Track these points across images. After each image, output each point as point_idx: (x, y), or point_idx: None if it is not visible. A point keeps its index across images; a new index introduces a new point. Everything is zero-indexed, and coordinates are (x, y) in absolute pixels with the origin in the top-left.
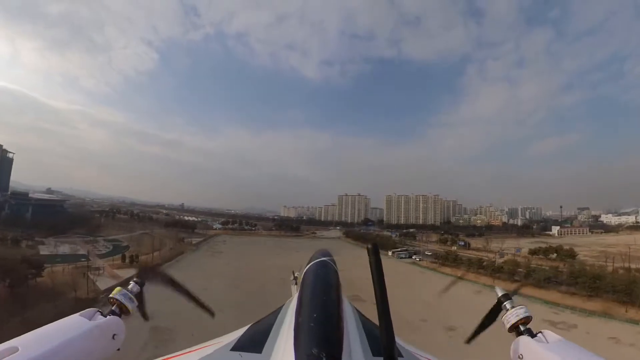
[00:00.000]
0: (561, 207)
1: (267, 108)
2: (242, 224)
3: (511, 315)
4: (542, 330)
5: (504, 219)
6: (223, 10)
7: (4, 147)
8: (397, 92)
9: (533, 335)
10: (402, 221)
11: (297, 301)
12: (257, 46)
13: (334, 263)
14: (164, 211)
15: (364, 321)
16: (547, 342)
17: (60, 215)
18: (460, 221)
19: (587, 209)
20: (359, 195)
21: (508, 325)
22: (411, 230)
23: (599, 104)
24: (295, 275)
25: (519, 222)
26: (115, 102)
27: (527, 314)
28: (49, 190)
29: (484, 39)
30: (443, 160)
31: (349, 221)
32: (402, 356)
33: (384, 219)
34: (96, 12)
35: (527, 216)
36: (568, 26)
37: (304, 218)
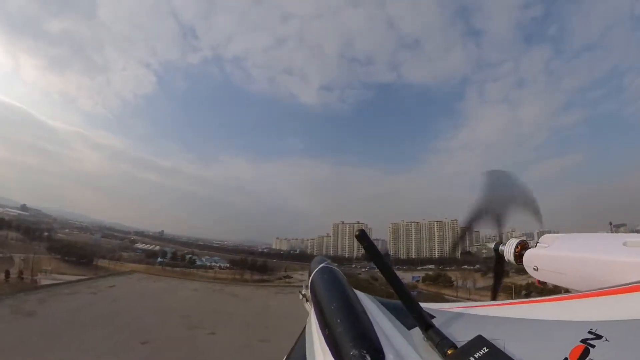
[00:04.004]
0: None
1: (266, 136)
2: (183, 259)
3: (508, 249)
4: (540, 239)
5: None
6: (221, 32)
7: None
8: (397, 117)
9: (534, 247)
10: (413, 254)
11: (316, 315)
12: (255, 71)
13: (333, 265)
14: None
15: (385, 303)
16: (550, 245)
17: None
18: (484, 251)
19: (624, 225)
20: (358, 223)
21: (512, 258)
22: (430, 266)
23: (600, 122)
24: (303, 292)
25: None
26: (113, 126)
27: (519, 239)
28: (23, 207)
29: (483, 60)
30: (444, 187)
31: (347, 255)
32: (434, 317)
33: (390, 252)
34: (97, 32)
35: None
36: (566, 43)
37: (297, 251)
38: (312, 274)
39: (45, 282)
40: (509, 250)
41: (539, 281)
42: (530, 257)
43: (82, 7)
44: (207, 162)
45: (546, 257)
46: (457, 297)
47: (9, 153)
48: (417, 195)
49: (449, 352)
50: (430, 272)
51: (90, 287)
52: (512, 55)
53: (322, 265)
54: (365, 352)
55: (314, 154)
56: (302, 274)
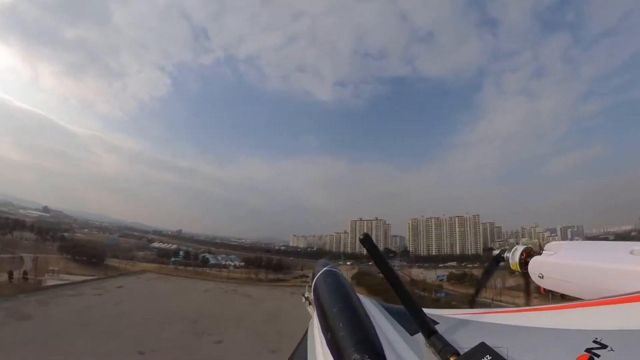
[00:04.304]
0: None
1: (281, 134)
2: (196, 258)
3: (514, 256)
4: (545, 246)
5: (559, 241)
6: (233, 33)
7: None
8: (413, 112)
9: (540, 254)
10: (433, 250)
11: (318, 318)
12: (269, 70)
13: (337, 268)
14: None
15: (388, 308)
16: (555, 252)
17: None
18: (506, 247)
19: None
20: (377, 219)
21: (517, 265)
22: (452, 264)
23: (623, 110)
24: (306, 295)
25: None
26: (130, 129)
27: (525, 246)
28: (45, 209)
29: (499, 50)
30: (462, 183)
31: (365, 252)
32: (437, 323)
33: (409, 248)
34: (111, 37)
35: (569, 235)
36: (584, 29)
37: (315, 248)
38: (316, 277)
39: (51, 282)
40: (514, 257)
41: (544, 289)
42: (535, 265)
43: (96, 14)
44: (223, 162)
45: (552, 265)
46: (492, 299)
47: (31, 158)
48: (435, 190)
49: (452, 359)
50: (454, 270)
51: (96, 287)
52: (530, 44)
53: (325, 268)
54: (367, 357)
55: (329, 151)
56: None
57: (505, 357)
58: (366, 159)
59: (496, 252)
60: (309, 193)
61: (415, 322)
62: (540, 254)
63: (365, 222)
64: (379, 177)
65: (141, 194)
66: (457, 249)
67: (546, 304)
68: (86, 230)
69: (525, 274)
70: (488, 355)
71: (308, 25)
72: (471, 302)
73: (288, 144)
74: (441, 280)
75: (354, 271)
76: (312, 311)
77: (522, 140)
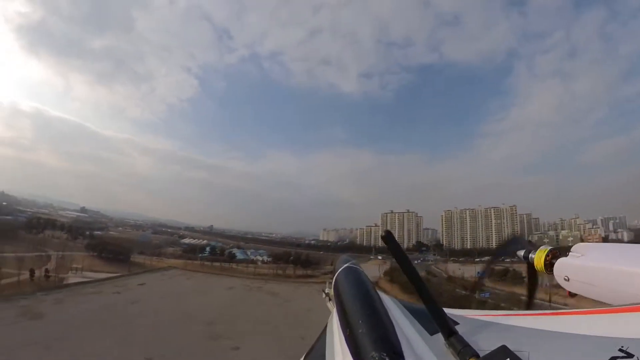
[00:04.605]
0: None
1: (308, 128)
2: (222, 254)
3: (539, 257)
4: (572, 248)
5: (601, 233)
6: (255, 30)
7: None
8: (441, 101)
9: (566, 256)
10: (468, 243)
11: (338, 314)
12: (293, 65)
13: (358, 265)
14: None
15: (408, 307)
16: (582, 255)
17: None
18: (545, 240)
19: None
20: (408, 212)
21: (542, 267)
22: (489, 258)
23: None
24: (326, 291)
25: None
26: (160, 130)
27: (550, 247)
28: (83, 209)
29: (530, 30)
30: (494, 173)
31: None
32: (457, 324)
33: (443, 242)
34: (136, 44)
35: (611, 227)
36: (621, 2)
37: (346, 241)
38: (336, 274)
39: (73, 280)
40: (539, 259)
41: (569, 293)
42: (561, 267)
43: (120, 23)
44: (252, 158)
45: (578, 268)
46: (549, 302)
47: (69, 163)
48: (468, 181)
49: None
50: (493, 265)
51: (117, 285)
52: (562, 23)
53: (346, 265)
54: (385, 355)
55: (357, 143)
56: None
57: None
58: (395, 150)
59: (521, 252)
60: (338, 186)
61: (435, 321)
62: (566, 255)
63: (396, 214)
64: (408, 168)
65: (174, 192)
66: (494, 242)
67: (571, 308)
68: (120, 228)
69: (534, 276)
70: (508, 359)
71: (329, 18)
72: (528, 306)
73: (315, 137)
74: (482, 276)
75: (386, 267)
76: (332, 307)
77: (557, 127)
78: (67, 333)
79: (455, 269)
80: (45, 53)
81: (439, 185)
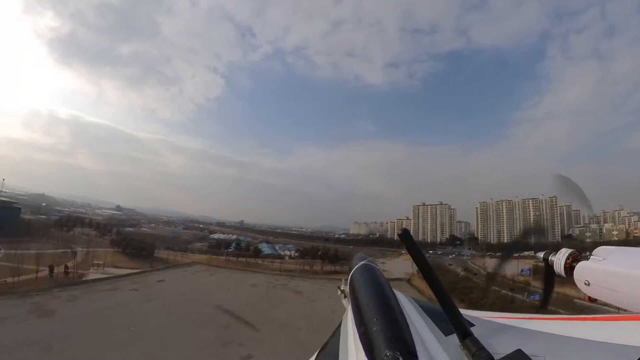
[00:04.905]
0: None
1: (336, 122)
2: (247, 249)
3: (559, 260)
4: (594, 251)
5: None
6: (277, 26)
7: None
8: (471, 88)
9: (587, 259)
10: (505, 237)
11: (353, 312)
12: (317, 58)
13: (374, 263)
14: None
15: (424, 306)
16: (605, 258)
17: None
18: (587, 234)
19: None
20: (441, 204)
21: (562, 270)
22: (528, 253)
23: None
24: (342, 288)
25: None
26: (191, 130)
27: (571, 250)
28: (118, 207)
29: (562, 9)
30: (531, 163)
31: (429, 240)
32: (473, 325)
33: (478, 235)
34: (162, 48)
35: None
36: None
37: (377, 235)
38: (352, 271)
39: (93, 276)
40: (559, 261)
41: (589, 297)
42: (581, 271)
43: (145, 29)
44: (281, 154)
45: (599, 272)
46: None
47: (105, 165)
48: (502, 171)
49: None
50: (536, 262)
51: (136, 281)
52: None
53: (362, 262)
54: (398, 354)
55: (386, 135)
56: (382, 262)
57: None
58: (425, 141)
59: (540, 254)
60: (368, 179)
61: (450, 322)
62: (587, 258)
63: (428, 207)
64: (440, 159)
65: (206, 188)
66: (532, 235)
67: (591, 314)
68: (153, 224)
69: (550, 276)
70: None
71: (351, 8)
72: (541, 308)
73: (343, 131)
74: (526, 275)
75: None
76: (347, 304)
77: (596, 112)
78: (71, 333)
79: (494, 265)
80: (77, 63)
81: (472, 176)
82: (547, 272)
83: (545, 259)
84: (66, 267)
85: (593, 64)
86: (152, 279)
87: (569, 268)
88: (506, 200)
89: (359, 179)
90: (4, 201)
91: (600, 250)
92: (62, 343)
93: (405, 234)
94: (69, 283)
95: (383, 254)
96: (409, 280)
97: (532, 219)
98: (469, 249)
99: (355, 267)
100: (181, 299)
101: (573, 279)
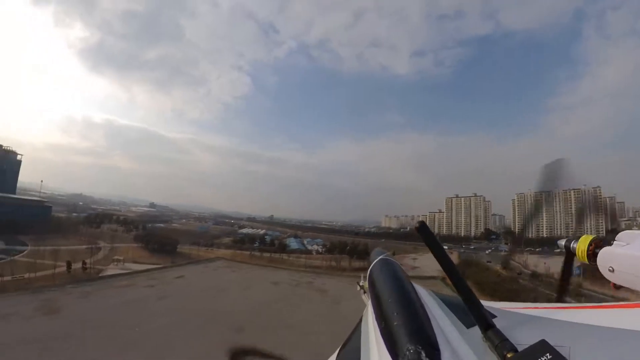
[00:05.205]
0: None
1: (364, 115)
2: (272, 244)
3: (581, 246)
4: (617, 236)
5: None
6: (299, 20)
7: (13, 148)
8: (502, 74)
9: (610, 245)
10: (544, 231)
11: (373, 307)
12: (342, 50)
13: (392, 257)
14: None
15: (445, 299)
16: (629, 243)
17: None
18: (634, 228)
19: None
20: (475, 195)
21: (584, 257)
22: None
23: None
24: (361, 284)
25: None
26: (220, 128)
27: (594, 236)
28: (152, 205)
29: None
30: (569, 151)
31: (462, 234)
32: (495, 316)
33: (515, 229)
34: (187, 51)
35: None
36: None
37: (407, 229)
38: (371, 266)
39: (111, 272)
40: (581, 248)
41: (614, 284)
42: (605, 257)
43: (170, 33)
44: (310, 149)
45: (624, 258)
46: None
47: (139, 165)
48: (539, 161)
49: (509, 355)
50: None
51: (154, 278)
52: None
53: (381, 257)
54: (420, 347)
55: (415, 127)
56: (414, 258)
57: (567, 358)
58: (456, 131)
59: (562, 242)
60: (398, 172)
61: (472, 314)
62: (610, 244)
63: (462, 199)
64: (472, 149)
65: (236, 185)
66: (571, 229)
67: (616, 302)
68: (184, 220)
69: (569, 259)
70: (548, 354)
71: None
72: (558, 298)
73: (372, 123)
74: (577, 275)
75: (453, 258)
76: (367, 300)
77: (636, 96)
78: (72, 332)
79: (537, 262)
80: (108, 70)
81: (506, 167)
82: (566, 259)
83: (567, 247)
84: (84, 263)
85: (633, 42)
86: (171, 275)
87: (592, 255)
88: (545, 191)
89: (389, 172)
90: (36, 200)
91: (623, 235)
92: (61, 343)
93: (422, 227)
94: (85, 279)
95: (415, 248)
96: (444, 279)
97: (574, 211)
98: (506, 243)
99: (374, 262)
100: (195, 297)
101: (596, 266)
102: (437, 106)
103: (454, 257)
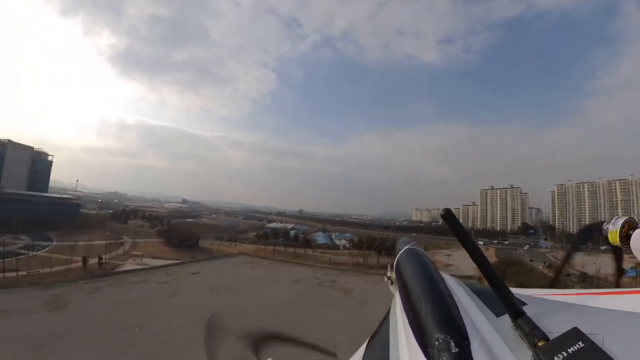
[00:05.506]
0: None
1: (391, 106)
2: (297, 238)
3: (614, 229)
4: None
5: None
6: (322, 13)
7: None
8: (535, 58)
9: None
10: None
11: (401, 297)
12: (366, 41)
13: (418, 246)
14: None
15: (473, 288)
16: None
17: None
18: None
19: None
20: (512, 187)
21: (616, 240)
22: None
23: None
24: (388, 275)
25: None
26: (248, 125)
27: (627, 217)
28: (183, 201)
29: None
30: (605, 140)
31: (498, 228)
32: (525, 304)
33: (555, 223)
34: (213, 50)
35: None
36: None
37: (440, 222)
38: (397, 256)
39: (128, 267)
40: (614, 231)
41: None
42: (638, 239)
43: (195, 34)
44: (338, 142)
45: None
46: None
47: (172, 163)
48: (578, 150)
49: (540, 343)
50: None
51: (169, 273)
52: None
53: (407, 247)
54: (449, 337)
55: (446, 116)
56: (447, 255)
57: (600, 346)
58: (489, 119)
59: (595, 225)
60: (428, 163)
61: (501, 302)
62: None
63: (497, 190)
64: (506, 138)
65: (266, 180)
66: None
67: None
68: (214, 215)
69: (618, 249)
70: (581, 342)
71: None
72: (552, 283)
73: (400, 114)
74: (632, 277)
75: (489, 255)
76: (395, 290)
77: None
78: (70, 330)
79: (583, 261)
80: (138, 73)
81: (544, 157)
82: (578, 239)
83: (594, 228)
84: (100, 258)
85: None
86: (187, 271)
87: (625, 237)
88: (588, 182)
89: (419, 164)
90: (65, 198)
91: None
92: (56, 341)
93: (448, 214)
94: (99, 274)
95: (448, 244)
96: (480, 279)
97: (619, 204)
98: (546, 239)
99: (400, 252)
100: (208, 295)
101: (630, 249)
102: (468, 94)
103: (491, 255)
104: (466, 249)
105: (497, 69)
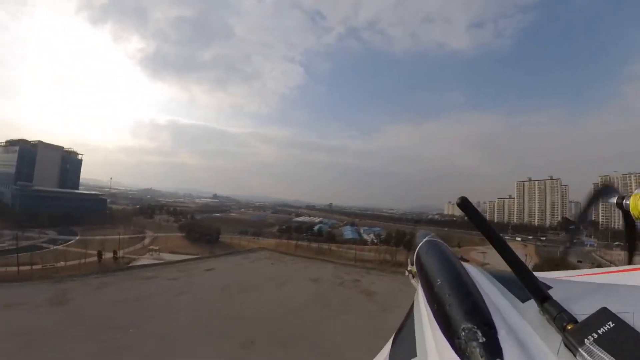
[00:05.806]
0: None
1: (420, 96)
2: (321, 233)
3: (634, 202)
4: None
5: None
6: (346, 3)
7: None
8: (569, 40)
9: None
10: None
11: (424, 290)
12: (393, 30)
13: (437, 237)
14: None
15: (496, 275)
16: None
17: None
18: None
19: None
20: (552, 178)
21: (638, 213)
22: None
23: None
24: (409, 269)
25: None
26: (277, 120)
27: None
28: (214, 196)
29: None
30: None
31: (536, 222)
32: (550, 287)
33: (599, 219)
34: (239, 48)
35: None
36: None
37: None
38: (417, 249)
39: (144, 262)
40: (635, 204)
41: None
42: None
43: (220, 33)
44: (368, 135)
45: None
46: None
47: (203, 160)
48: (622, 140)
49: (569, 327)
50: None
51: (182, 269)
52: None
53: (426, 238)
54: (476, 327)
55: (478, 105)
56: (483, 252)
57: (631, 324)
58: (525, 108)
59: (613, 199)
60: (461, 155)
61: (526, 287)
62: None
63: (535, 182)
64: (544, 127)
65: (296, 174)
66: None
67: None
68: (243, 209)
69: (632, 225)
70: (610, 322)
71: None
72: (629, 261)
73: (430, 104)
74: None
75: (528, 252)
76: (417, 284)
77: None
78: (62, 329)
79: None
80: (167, 75)
81: (585, 146)
82: (626, 219)
83: (619, 204)
84: (115, 252)
85: None
86: (202, 267)
87: None
88: (635, 174)
89: (451, 155)
90: (93, 194)
91: None
92: (46, 340)
93: (464, 202)
94: (112, 269)
95: (483, 240)
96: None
97: None
98: (590, 236)
99: (420, 244)
100: (216, 295)
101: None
102: (501, 81)
103: (531, 252)
104: (485, 237)
105: (530, 53)
